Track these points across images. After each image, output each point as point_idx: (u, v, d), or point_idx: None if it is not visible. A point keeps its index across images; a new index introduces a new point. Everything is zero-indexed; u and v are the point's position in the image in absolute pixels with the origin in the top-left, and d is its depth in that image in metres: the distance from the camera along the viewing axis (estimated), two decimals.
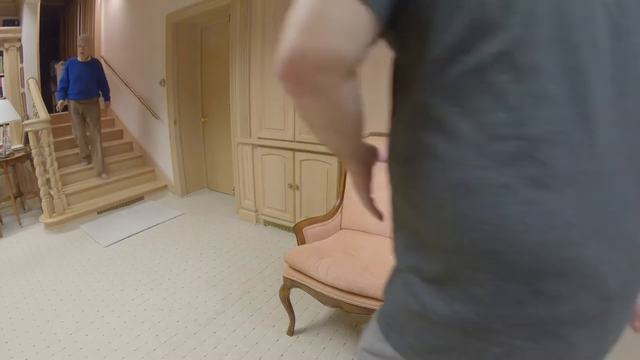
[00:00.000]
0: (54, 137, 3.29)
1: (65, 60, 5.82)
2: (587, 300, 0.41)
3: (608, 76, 0.39)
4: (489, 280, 0.40)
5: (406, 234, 0.51)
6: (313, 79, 0.41)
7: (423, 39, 0.43)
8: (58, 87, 3.63)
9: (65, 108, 3.73)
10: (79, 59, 3.56)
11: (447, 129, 0.41)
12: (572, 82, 0.37)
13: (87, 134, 3.81)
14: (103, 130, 4.44)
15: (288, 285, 1.73)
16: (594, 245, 0.39)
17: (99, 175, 3.85)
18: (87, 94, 3.61)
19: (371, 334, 0.62)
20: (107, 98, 3.86)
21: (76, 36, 5.36)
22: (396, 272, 0.56)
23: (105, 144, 4.28)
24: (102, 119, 4.64)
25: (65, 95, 3.59)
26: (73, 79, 3.54)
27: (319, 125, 0.52)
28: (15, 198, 3.33)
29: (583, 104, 0.38)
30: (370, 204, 0.68)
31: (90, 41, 3.67)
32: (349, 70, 0.42)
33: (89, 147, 3.88)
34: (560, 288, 0.39)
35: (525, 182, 0.38)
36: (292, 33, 0.39)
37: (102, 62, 4.70)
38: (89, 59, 3.63)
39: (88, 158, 3.90)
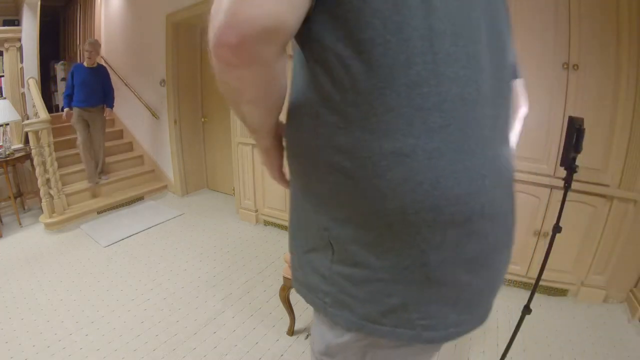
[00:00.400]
0: (54, 137, 3.28)
1: (65, 60, 5.85)
2: (502, 231, 0.53)
3: (490, 69, 0.50)
4: (431, 232, 0.46)
5: (333, 207, 0.52)
6: (255, 48, 0.40)
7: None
8: (64, 93, 3.49)
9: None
10: (86, 64, 3.45)
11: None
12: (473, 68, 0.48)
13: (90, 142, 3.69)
14: None
15: (288, 285, 1.73)
16: (497, 190, 0.50)
17: (98, 176, 3.74)
18: (91, 101, 3.47)
19: (318, 331, 0.62)
20: (110, 105, 3.68)
21: (76, 36, 5.36)
22: (321, 251, 0.55)
23: (105, 144, 4.28)
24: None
25: (70, 103, 3.45)
26: (78, 85, 3.40)
27: (248, 99, 0.50)
28: (15, 198, 3.33)
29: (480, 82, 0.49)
30: (282, 177, 0.70)
31: (97, 46, 3.51)
32: (286, 42, 0.43)
33: (94, 160, 3.72)
34: (485, 226, 0.49)
35: (451, 146, 0.46)
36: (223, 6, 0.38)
37: (102, 62, 4.70)
38: (96, 65, 3.50)
39: (95, 165, 3.72)
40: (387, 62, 0.44)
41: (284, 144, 0.61)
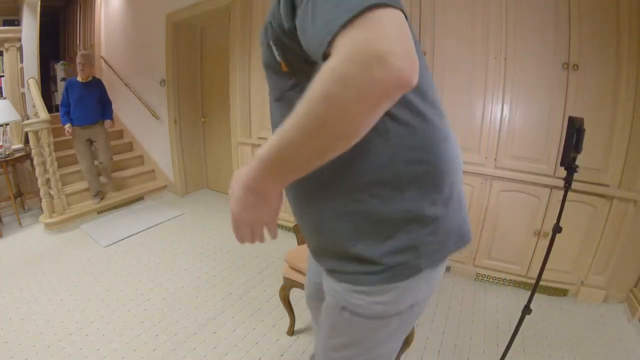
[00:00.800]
0: (54, 137, 3.29)
1: (65, 60, 5.85)
2: (459, 178, 0.79)
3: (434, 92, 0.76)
4: (452, 182, 0.74)
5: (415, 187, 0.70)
6: (395, 98, 0.49)
7: None
8: (60, 111, 3.27)
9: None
10: (79, 78, 3.24)
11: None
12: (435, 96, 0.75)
13: (97, 162, 3.52)
14: None
15: (288, 285, 1.73)
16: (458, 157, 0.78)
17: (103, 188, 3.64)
18: (90, 118, 3.29)
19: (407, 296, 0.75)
20: (108, 117, 3.46)
21: (76, 36, 5.36)
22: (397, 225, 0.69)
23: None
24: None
25: (69, 119, 3.25)
26: (73, 101, 3.21)
27: (345, 137, 0.54)
28: (15, 198, 3.33)
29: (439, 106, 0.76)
30: (276, 221, 0.73)
31: (90, 58, 3.30)
32: None
33: (99, 179, 3.59)
34: (460, 176, 0.79)
35: (447, 137, 0.73)
36: (410, 51, 0.47)
37: (102, 62, 4.70)
38: (90, 78, 3.30)
39: (100, 193, 3.59)
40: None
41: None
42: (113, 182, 3.83)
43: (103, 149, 3.45)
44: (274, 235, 0.71)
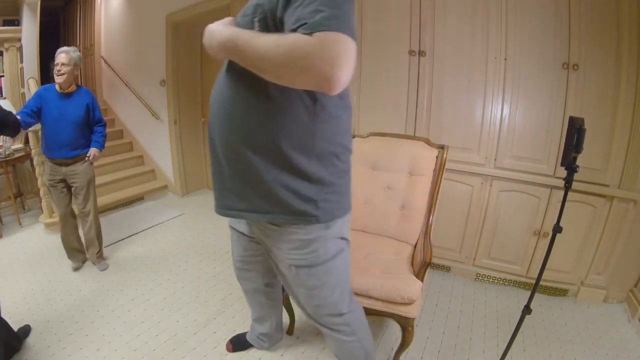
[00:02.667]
0: None
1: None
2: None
3: None
4: (347, 161, 1.05)
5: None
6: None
7: None
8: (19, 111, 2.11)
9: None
10: (58, 87, 2.15)
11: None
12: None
13: (76, 211, 2.43)
14: None
15: None
16: None
17: (93, 263, 2.53)
18: (65, 149, 2.18)
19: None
20: (96, 144, 2.30)
21: (76, 36, 5.35)
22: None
23: (105, 144, 4.27)
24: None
25: (25, 124, 2.04)
26: (46, 122, 2.13)
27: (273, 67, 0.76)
28: (15, 198, 3.33)
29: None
30: None
31: (76, 59, 2.18)
32: None
33: (80, 239, 2.50)
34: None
35: (349, 130, 1.04)
36: (347, 79, 0.70)
37: (102, 62, 4.70)
38: (73, 88, 2.20)
39: (81, 254, 2.52)
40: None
41: None
42: (111, 182, 3.79)
43: (84, 199, 2.33)
44: None
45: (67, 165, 2.22)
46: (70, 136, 2.17)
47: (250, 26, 0.86)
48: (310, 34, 0.68)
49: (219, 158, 1.03)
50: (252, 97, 0.90)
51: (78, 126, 2.19)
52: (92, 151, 2.27)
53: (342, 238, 1.11)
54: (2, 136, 3.31)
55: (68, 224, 2.39)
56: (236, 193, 1.01)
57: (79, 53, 2.21)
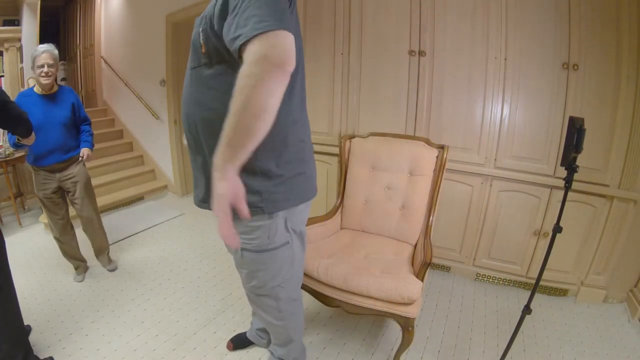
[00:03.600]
0: None
1: (65, 60, 5.84)
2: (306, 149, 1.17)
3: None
4: (296, 152, 1.09)
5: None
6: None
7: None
8: (9, 138, 1.95)
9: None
10: (38, 89, 2.03)
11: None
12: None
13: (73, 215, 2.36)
14: (102, 131, 4.46)
15: None
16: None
17: (103, 266, 2.51)
18: (61, 151, 2.08)
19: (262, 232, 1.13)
20: (86, 144, 2.17)
21: (76, 36, 5.35)
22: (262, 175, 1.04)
23: (105, 144, 4.28)
24: (102, 119, 4.69)
25: (19, 143, 1.84)
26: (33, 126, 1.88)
27: (271, 112, 0.81)
28: (15, 198, 3.33)
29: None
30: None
31: (56, 61, 2.03)
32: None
33: (79, 249, 2.41)
34: (307, 148, 1.18)
35: (297, 121, 1.09)
36: (286, 48, 0.80)
37: (102, 62, 4.70)
38: (56, 88, 2.09)
39: (82, 262, 2.43)
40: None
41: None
42: (111, 182, 3.80)
43: (82, 202, 2.24)
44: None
45: (60, 170, 2.11)
46: (60, 139, 2.06)
47: (197, 36, 1.00)
48: (247, 42, 0.79)
49: (191, 150, 1.15)
50: (197, 92, 1.03)
51: (66, 127, 2.10)
52: (84, 151, 2.13)
53: (291, 230, 1.17)
54: (2, 136, 3.31)
55: (66, 235, 2.31)
56: (199, 185, 1.16)
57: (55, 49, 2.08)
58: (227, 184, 0.83)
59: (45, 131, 2.00)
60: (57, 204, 2.21)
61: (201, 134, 1.06)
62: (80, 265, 2.42)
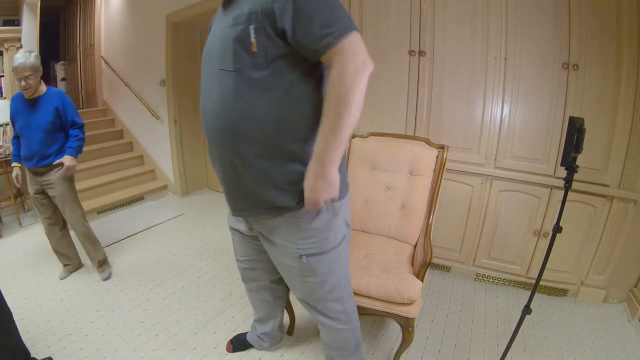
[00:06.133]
0: None
1: (65, 60, 5.85)
2: None
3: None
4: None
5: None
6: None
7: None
8: (12, 145, 2.23)
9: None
10: (25, 94, 2.04)
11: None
12: None
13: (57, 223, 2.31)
14: (102, 131, 4.47)
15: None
16: None
17: (100, 270, 2.39)
18: (39, 156, 2.06)
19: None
20: (70, 151, 2.10)
21: (76, 36, 5.35)
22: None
23: (105, 144, 4.28)
24: (102, 119, 4.69)
25: (19, 156, 2.14)
26: (18, 129, 2.09)
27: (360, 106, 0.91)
28: (15, 198, 3.33)
29: None
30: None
31: (35, 68, 2.00)
32: None
33: (69, 248, 2.39)
34: None
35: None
36: (364, 52, 0.89)
37: (102, 62, 4.69)
38: (41, 91, 2.08)
39: (71, 261, 2.42)
40: None
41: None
42: (111, 182, 3.80)
43: (67, 210, 2.20)
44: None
45: (40, 174, 2.11)
46: (39, 144, 2.04)
47: (244, 33, 0.91)
48: (335, 43, 0.86)
49: (224, 165, 1.08)
50: (243, 98, 0.97)
51: (47, 133, 2.04)
52: (65, 160, 2.05)
53: (346, 224, 1.20)
54: (2, 136, 3.31)
55: (54, 234, 2.31)
56: (245, 194, 1.08)
57: (35, 53, 2.02)
58: (336, 175, 0.96)
59: (27, 135, 2.05)
60: (43, 205, 2.22)
61: (244, 144, 1.00)
62: (68, 264, 2.41)
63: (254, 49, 0.91)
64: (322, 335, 1.42)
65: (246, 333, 1.78)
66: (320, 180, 0.95)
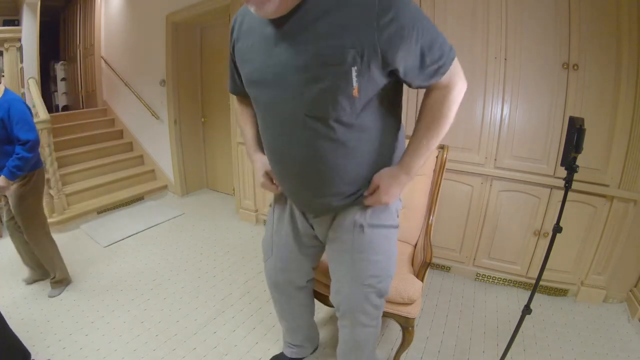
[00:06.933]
0: (54, 137, 3.29)
1: (65, 60, 5.84)
2: None
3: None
4: None
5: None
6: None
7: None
8: None
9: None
10: None
11: None
12: None
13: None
14: (102, 131, 4.46)
15: None
16: None
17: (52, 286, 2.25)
18: None
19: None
20: (6, 172, 1.85)
21: (76, 36, 5.35)
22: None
23: (105, 144, 4.28)
24: (102, 119, 4.69)
25: None
26: None
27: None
28: None
29: None
30: None
31: None
32: None
33: (30, 255, 2.26)
34: None
35: None
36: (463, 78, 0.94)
37: (102, 62, 4.69)
38: None
39: (30, 278, 2.32)
40: None
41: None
42: (111, 182, 3.79)
43: (18, 221, 2.08)
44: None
45: None
46: None
47: (344, 77, 0.79)
48: (446, 72, 0.88)
49: (310, 198, 1.08)
50: (342, 145, 0.92)
51: None
52: (1, 179, 1.84)
53: (398, 215, 1.20)
54: None
55: (14, 237, 2.21)
56: (330, 196, 1.04)
57: None
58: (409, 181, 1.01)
59: None
60: (1, 208, 2.15)
61: (340, 185, 1.00)
62: (30, 272, 2.30)
63: (355, 93, 0.81)
64: (344, 340, 1.34)
65: (281, 353, 1.68)
66: (399, 187, 1.00)
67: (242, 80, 1.05)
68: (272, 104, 0.93)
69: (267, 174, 1.19)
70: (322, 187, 1.00)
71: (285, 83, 0.86)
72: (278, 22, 0.82)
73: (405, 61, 0.81)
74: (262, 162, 1.20)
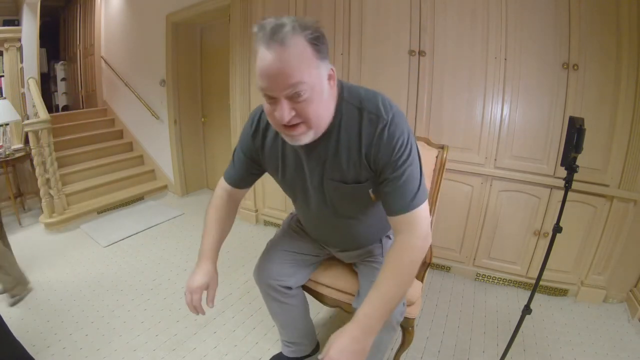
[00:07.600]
0: (54, 137, 3.29)
1: (65, 60, 5.84)
2: None
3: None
4: None
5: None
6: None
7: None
8: None
9: None
10: None
11: None
12: None
13: None
14: (102, 131, 4.47)
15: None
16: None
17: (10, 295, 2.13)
18: None
19: None
20: None
21: (76, 36, 5.36)
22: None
23: (105, 144, 4.29)
24: (102, 119, 4.69)
25: None
26: None
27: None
28: (15, 198, 3.33)
29: None
30: None
31: None
32: None
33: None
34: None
35: None
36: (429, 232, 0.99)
37: (102, 62, 4.70)
38: None
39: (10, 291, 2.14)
40: None
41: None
42: (111, 182, 3.80)
43: None
44: None
45: None
46: None
47: (363, 192, 1.04)
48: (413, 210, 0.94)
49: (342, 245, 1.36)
50: (367, 223, 1.21)
51: None
52: None
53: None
54: (2, 136, 3.31)
55: None
56: (336, 244, 1.39)
57: None
58: (370, 346, 0.90)
59: None
60: None
61: (366, 241, 1.30)
62: (4, 291, 2.13)
63: (373, 199, 1.06)
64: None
65: (280, 353, 1.66)
66: (355, 345, 0.87)
67: (250, 174, 1.25)
68: (306, 203, 1.18)
69: (201, 290, 1.20)
70: (347, 243, 1.31)
71: (317, 198, 1.12)
72: (307, 146, 0.97)
73: (393, 189, 0.97)
74: (206, 273, 1.23)
